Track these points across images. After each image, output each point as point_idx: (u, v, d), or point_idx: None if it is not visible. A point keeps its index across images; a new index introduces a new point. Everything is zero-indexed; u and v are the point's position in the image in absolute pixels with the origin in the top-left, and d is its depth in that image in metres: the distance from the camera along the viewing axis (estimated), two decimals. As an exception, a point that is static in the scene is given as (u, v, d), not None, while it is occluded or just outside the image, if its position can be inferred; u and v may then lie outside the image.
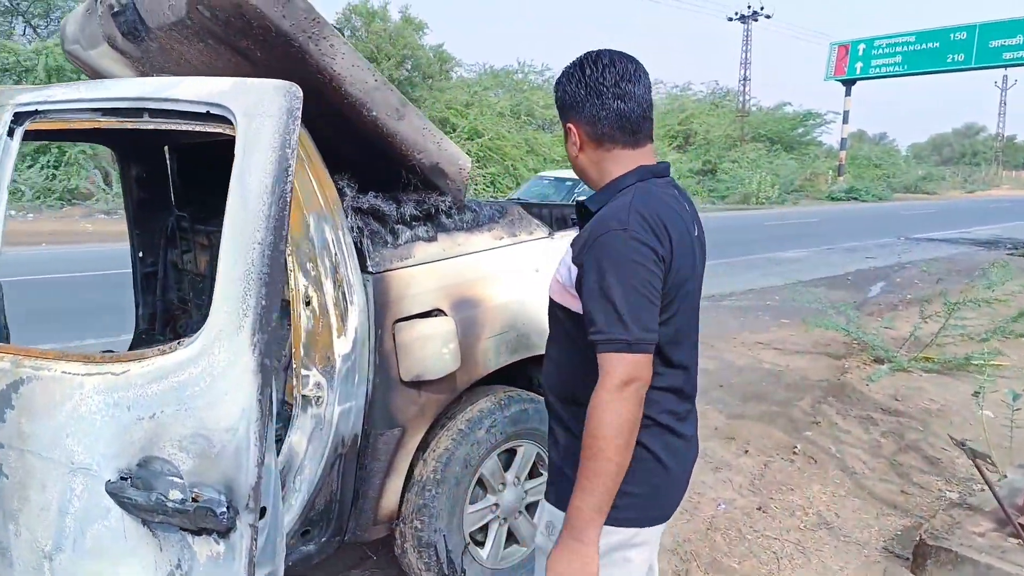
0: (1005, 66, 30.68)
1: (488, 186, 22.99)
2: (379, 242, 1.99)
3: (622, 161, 1.32)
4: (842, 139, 36.11)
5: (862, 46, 32.82)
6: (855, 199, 32.23)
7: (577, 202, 1.48)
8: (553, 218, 3.92)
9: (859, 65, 33.06)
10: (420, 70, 25.29)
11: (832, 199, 31.95)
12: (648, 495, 1.30)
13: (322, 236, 1.88)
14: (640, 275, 1.16)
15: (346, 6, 24.71)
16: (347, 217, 1.93)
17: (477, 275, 2.20)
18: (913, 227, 18.45)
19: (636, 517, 1.30)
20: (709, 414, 4.24)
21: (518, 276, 2.32)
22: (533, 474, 2.46)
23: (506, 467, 2.38)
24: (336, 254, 1.90)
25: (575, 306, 1.27)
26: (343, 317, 1.91)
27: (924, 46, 30.60)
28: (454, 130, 23.03)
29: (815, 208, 26.90)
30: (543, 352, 1.48)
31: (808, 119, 36.42)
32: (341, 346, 1.90)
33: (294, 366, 1.90)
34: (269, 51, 1.73)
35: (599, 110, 1.29)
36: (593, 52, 1.33)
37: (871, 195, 33.06)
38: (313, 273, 1.87)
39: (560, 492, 1.32)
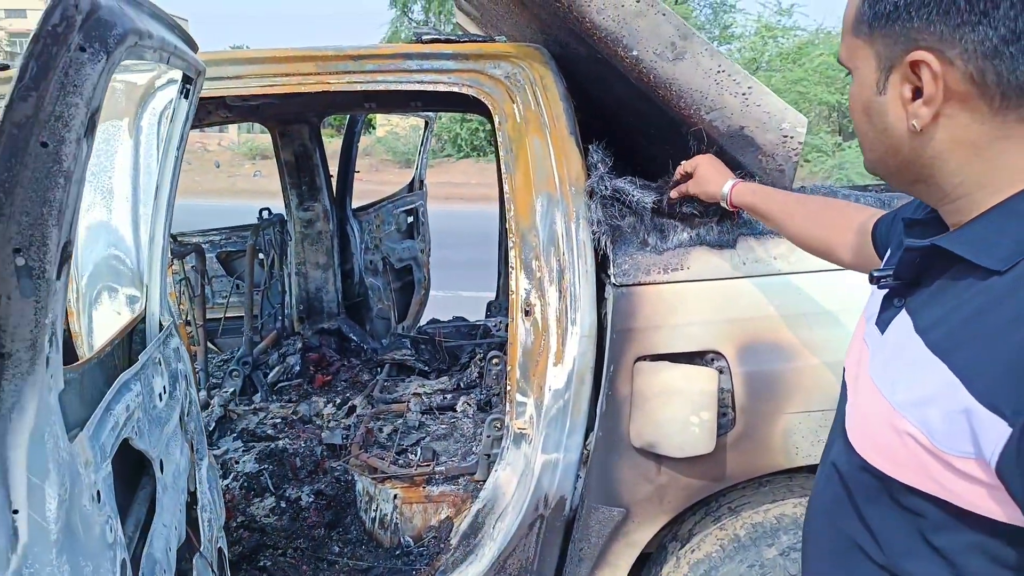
0: None
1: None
2: (631, 242, 1.39)
3: None
4: None
5: None
6: None
7: (924, 245, 0.63)
8: None
9: None
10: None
11: None
12: None
13: (550, 226, 1.40)
14: None
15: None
16: (592, 203, 1.39)
17: (798, 309, 1.39)
18: None
19: None
20: None
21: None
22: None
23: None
24: (564, 253, 1.39)
25: (995, 509, 0.56)
26: (563, 340, 1.40)
27: None
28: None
29: None
30: None
31: None
32: (554, 378, 1.41)
33: (508, 388, 1.49)
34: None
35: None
36: None
37: None
38: (538, 275, 1.42)
39: None
